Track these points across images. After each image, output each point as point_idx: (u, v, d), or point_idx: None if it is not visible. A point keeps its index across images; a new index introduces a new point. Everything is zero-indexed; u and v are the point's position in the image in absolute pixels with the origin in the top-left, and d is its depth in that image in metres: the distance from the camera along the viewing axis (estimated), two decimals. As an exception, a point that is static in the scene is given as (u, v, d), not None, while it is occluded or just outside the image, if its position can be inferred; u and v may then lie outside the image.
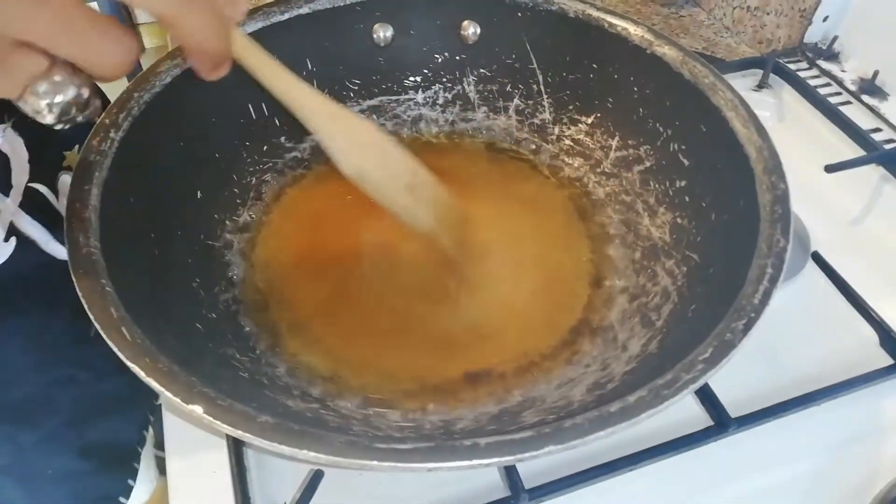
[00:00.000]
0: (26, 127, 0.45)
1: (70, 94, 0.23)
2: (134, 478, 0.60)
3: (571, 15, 0.42)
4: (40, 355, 0.48)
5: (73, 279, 0.27)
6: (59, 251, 0.47)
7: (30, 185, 0.45)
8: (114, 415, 0.56)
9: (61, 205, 0.47)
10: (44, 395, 0.50)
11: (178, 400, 0.23)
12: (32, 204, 0.46)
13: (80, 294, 0.27)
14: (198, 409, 0.23)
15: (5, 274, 0.43)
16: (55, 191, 0.47)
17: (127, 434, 0.55)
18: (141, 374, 0.24)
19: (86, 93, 0.24)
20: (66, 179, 0.48)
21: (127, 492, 0.60)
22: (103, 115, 0.34)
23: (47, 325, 0.48)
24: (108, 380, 0.54)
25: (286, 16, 0.42)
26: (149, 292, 0.31)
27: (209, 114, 0.40)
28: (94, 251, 0.28)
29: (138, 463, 0.56)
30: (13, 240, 0.44)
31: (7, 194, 0.43)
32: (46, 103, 0.23)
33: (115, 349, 0.25)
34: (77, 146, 0.49)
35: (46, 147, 0.47)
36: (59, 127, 0.25)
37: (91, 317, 0.26)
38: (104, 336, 0.25)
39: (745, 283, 0.27)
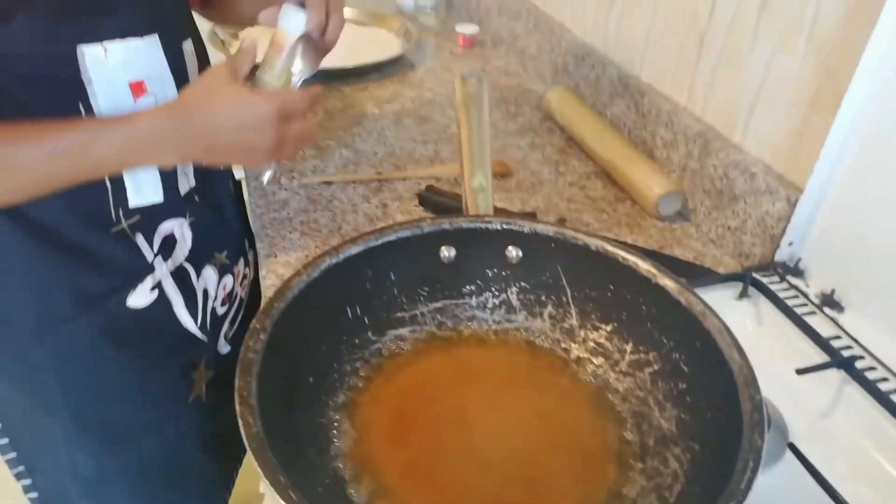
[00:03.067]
0: (199, 227, 0.65)
1: None
2: None
3: (593, 248, 0.56)
4: (141, 395, 0.65)
5: (250, 451, 0.37)
6: (185, 318, 0.65)
7: (183, 263, 0.64)
8: (182, 490, 0.74)
9: (199, 285, 0.66)
10: (131, 431, 0.66)
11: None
12: (179, 276, 0.64)
13: (256, 463, 0.37)
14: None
15: (142, 318, 0.61)
16: (199, 274, 0.66)
17: None
18: (308, 527, 0.34)
19: None
20: (209, 270, 0.67)
21: None
22: (254, 321, 0.46)
23: (157, 376, 0.65)
24: (191, 448, 0.71)
25: (379, 241, 0.56)
26: (289, 460, 0.41)
27: (320, 315, 0.52)
28: (260, 430, 0.39)
29: None
30: (156, 292, 0.62)
31: (166, 260, 0.63)
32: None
33: (287, 507, 0.35)
34: (225, 251, 0.70)
35: (206, 245, 0.67)
36: None
37: (267, 481, 0.36)
38: (279, 496, 0.35)
39: (734, 473, 0.38)
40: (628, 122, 0.96)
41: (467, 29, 1.32)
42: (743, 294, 0.69)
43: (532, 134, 1.02)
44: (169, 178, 0.61)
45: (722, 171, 0.79)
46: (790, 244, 0.72)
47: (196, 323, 0.66)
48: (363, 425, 0.49)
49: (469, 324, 0.59)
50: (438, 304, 0.59)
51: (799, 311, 0.66)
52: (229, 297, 0.72)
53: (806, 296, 0.70)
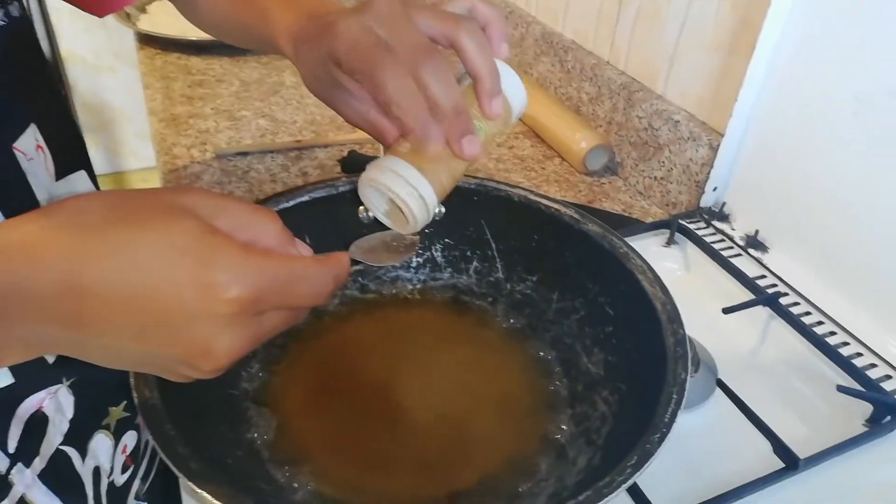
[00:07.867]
0: (85, 383, 0.45)
1: None
2: None
3: (515, 199, 0.54)
4: None
5: (144, 423, 0.34)
6: None
7: (60, 447, 0.44)
8: None
9: (87, 467, 0.46)
10: None
11: (240, 515, 0.30)
12: (54, 469, 0.43)
13: (152, 438, 0.34)
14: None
15: None
16: (85, 452, 0.46)
17: None
18: (209, 497, 0.31)
19: None
20: (99, 438, 0.47)
21: None
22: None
23: None
24: None
25: (291, 202, 0.52)
26: (193, 433, 0.38)
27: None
28: (157, 402, 0.36)
29: None
30: None
31: (29, 464, 0.42)
32: None
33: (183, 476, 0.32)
34: (125, 402, 0.50)
35: (96, 404, 0.47)
36: None
37: (164, 455, 0.33)
38: (176, 470, 0.32)
39: (658, 406, 0.37)
40: (554, 79, 0.94)
41: (389, -5, 1.28)
42: (670, 241, 0.69)
43: (458, 97, 1.00)
44: None
45: (647, 122, 0.78)
46: (714, 189, 0.72)
47: None
48: (281, 396, 0.46)
49: (393, 285, 0.57)
50: (359, 266, 0.56)
51: (725, 253, 0.67)
52: (134, 457, 0.52)
53: (731, 238, 0.70)
